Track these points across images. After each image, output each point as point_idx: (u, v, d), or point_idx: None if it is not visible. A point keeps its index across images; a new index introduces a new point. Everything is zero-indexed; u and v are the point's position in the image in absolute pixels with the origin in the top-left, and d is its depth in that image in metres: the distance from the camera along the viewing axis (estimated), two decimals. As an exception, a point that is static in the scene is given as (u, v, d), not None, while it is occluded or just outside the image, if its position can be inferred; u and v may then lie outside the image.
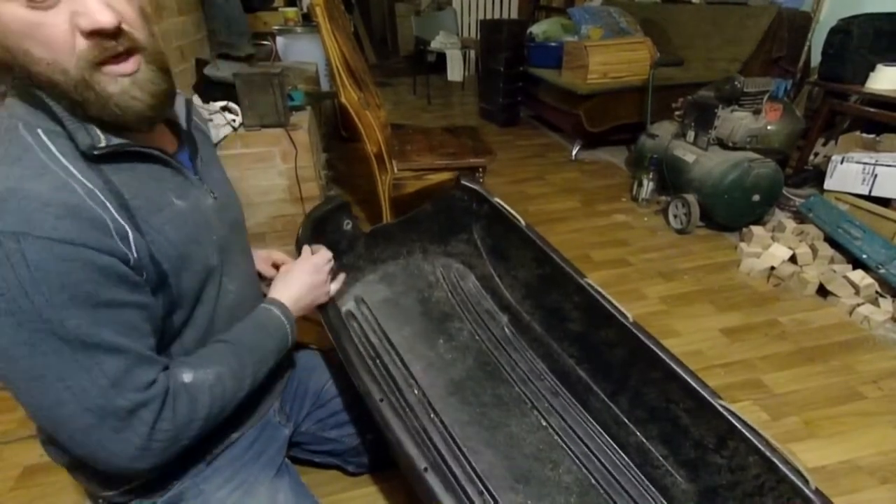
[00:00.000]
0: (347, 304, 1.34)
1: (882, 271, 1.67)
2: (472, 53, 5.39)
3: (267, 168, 1.75)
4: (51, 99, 0.54)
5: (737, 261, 1.95)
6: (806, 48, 2.92)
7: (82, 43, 0.50)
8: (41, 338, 0.50)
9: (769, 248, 1.88)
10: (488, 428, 1.09)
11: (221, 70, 1.91)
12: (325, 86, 2.89)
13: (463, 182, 1.42)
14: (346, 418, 1.03)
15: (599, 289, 1.10)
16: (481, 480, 1.00)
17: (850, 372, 1.42)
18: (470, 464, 1.02)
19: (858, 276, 1.68)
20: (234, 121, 1.67)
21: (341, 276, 1.01)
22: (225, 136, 1.65)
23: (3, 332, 0.49)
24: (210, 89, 1.82)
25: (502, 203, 1.35)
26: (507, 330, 1.31)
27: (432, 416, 1.10)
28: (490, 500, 0.96)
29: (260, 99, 1.64)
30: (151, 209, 0.61)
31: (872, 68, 2.21)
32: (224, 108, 1.67)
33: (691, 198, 2.12)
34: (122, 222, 0.55)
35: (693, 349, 1.50)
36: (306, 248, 0.96)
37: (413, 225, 1.44)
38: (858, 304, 1.63)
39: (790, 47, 2.86)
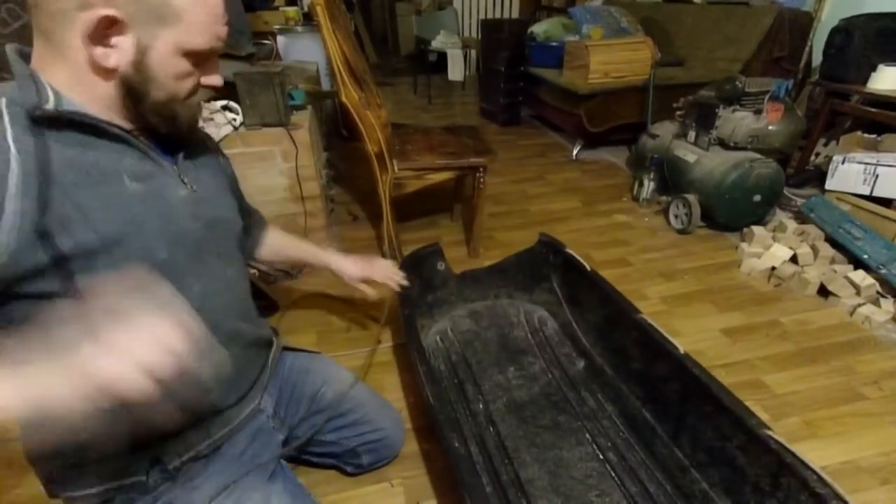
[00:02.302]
0: (437, 328, 1.53)
1: (883, 271, 1.67)
2: (473, 53, 5.39)
3: (268, 167, 1.75)
4: (22, 68, 0.58)
5: (738, 261, 1.94)
6: (807, 48, 2.92)
7: (194, 84, 0.68)
8: None
9: (770, 249, 1.87)
10: (540, 446, 1.15)
11: (222, 69, 1.90)
12: (325, 85, 2.89)
13: (542, 236, 1.60)
14: (343, 422, 1.03)
15: (652, 322, 1.17)
16: (521, 486, 1.05)
17: (851, 372, 1.41)
18: (515, 471, 1.08)
19: (859, 276, 1.68)
20: (234, 120, 1.67)
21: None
22: (226, 136, 1.65)
23: None
24: (211, 88, 1.81)
25: (573, 253, 1.49)
26: (581, 372, 1.36)
27: (490, 427, 1.21)
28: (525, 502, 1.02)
29: (261, 98, 1.64)
30: (84, 183, 0.59)
31: (874, 68, 2.21)
32: (225, 108, 1.68)
33: (692, 198, 2.12)
34: (11, 186, 0.53)
35: (694, 349, 1.48)
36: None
37: (500, 273, 1.63)
38: (859, 305, 1.63)
39: (791, 47, 2.86)
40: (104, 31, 0.57)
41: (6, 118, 0.56)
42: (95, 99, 0.61)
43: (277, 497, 0.82)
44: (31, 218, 0.55)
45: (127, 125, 0.65)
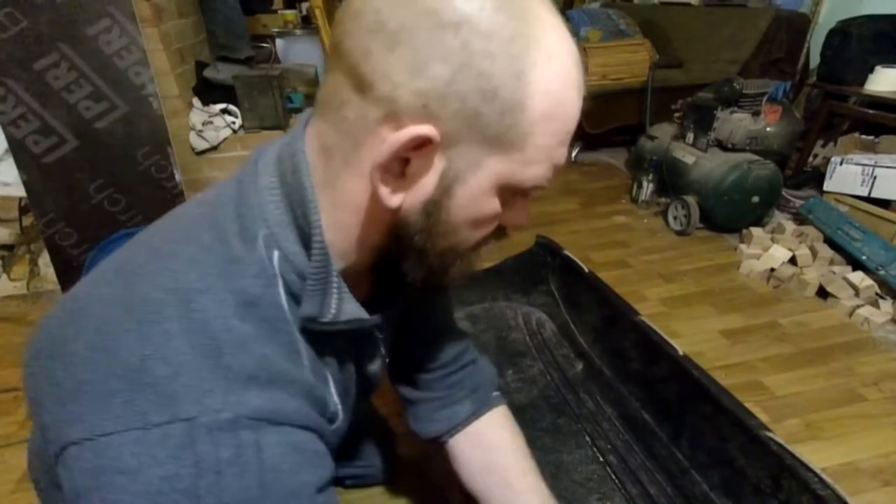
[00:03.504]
0: None
1: (882, 273, 1.67)
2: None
3: (267, 170, 1.75)
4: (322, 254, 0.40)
5: (737, 262, 1.95)
6: (805, 50, 2.93)
7: (490, 231, 0.45)
8: None
9: (769, 250, 1.88)
10: (540, 449, 1.13)
11: (221, 72, 1.91)
12: (324, 88, 2.88)
13: (540, 238, 1.57)
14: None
15: (650, 323, 1.16)
16: None
17: (850, 374, 1.41)
18: None
19: (858, 277, 1.68)
20: (233, 123, 1.67)
21: None
22: (225, 139, 1.65)
23: None
24: (210, 91, 1.82)
25: (570, 254, 1.47)
26: (579, 375, 1.35)
27: None
28: None
29: (260, 101, 1.64)
30: (337, 380, 0.48)
31: (871, 70, 2.21)
32: (224, 111, 1.68)
33: (691, 199, 2.12)
34: (337, 400, 0.46)
35: (694, 351, 1.49)
36: None
37: (497, 275, 1.59)
38: (858, 306, 1.63)
39: (789, 49, 2.87)
40: (409, 152, 0.36)
41: (283, 296, 0.40)
42: (356, 247, 0.43)
43: None
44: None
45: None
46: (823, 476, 0.80)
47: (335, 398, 0.45)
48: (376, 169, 0.36)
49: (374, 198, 0.38)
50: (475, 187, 0.39)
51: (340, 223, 0.41)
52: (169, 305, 0.36)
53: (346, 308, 0.42)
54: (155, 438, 0.33)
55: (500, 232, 0.46)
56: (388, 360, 0.61)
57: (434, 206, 0.39)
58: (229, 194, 0.41)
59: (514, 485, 0.69)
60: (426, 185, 0.38)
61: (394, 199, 0.38)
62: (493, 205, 0.41)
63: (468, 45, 0.33)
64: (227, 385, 0.35)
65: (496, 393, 0.75)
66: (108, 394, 0.34)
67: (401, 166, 0.37)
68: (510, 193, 0.41)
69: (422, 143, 0.35)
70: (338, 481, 1.09)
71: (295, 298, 0.40)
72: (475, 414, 0.71)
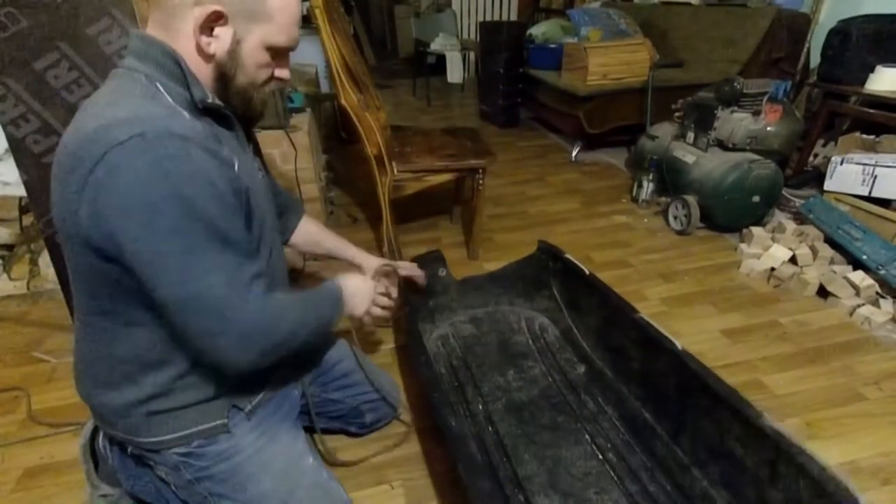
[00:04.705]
0: (438, 333, 1.52)
1: (882, 272, 1.67)
2: (472, 55, 5.40)
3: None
4: (180, 69, 0.70)
5: (737, 262, 1.95)
6: (805, 49, 2.93)
7: (269, 75, 0.79)
8: (197, 222, 0.64)
9: (769, 250, 1.88)
10: (539, 444, 1.16)
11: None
12: (324, 88, 2.89)
13: (542, 243, 1.59)
14: (348, 381, 1.13)
15: (649, 319, 1.17)
16: (519, 483, 1.06)
17: (850, 373, 1.41)
18: (512, 468, 1.09)
19: (859, 276, 1.68)
20: (234, 123, 1.67)
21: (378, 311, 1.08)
22: (225, 138, 1.65)
23: (170, 214, 0.62)
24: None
25: (572, 258, 1.48)
26: (582, 377, 1.36)
27: (489, 426, 1.21)
28: (522, 500, 1.03)
29: (260, 101, 1.64)
30: (241, 166, 0.75)
31: (872, 69, 2.21)
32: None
33: (691, 199, 2.12)
34: (231, 156, 0.72)
35: (694, 350, 1.48)
36: (393, 271, 1.22)
37: (501, 280, 1.63)
38: (859, 305, 1.63)
39: (790, 49, 2.87)
40: (211, 23, 0.68)
41: (173, 102, 0.69)
42: (201, 77, 0.72)
43: (302, 442, 0.96)
44: (237, 177, 0.72)
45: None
46: (818, 458, 0.80)
47: (225, 151, 0.72)
48: (196, 29, 0.68)
49: (199, 48, 0.70)
50: (252, 43, 0.72)
51: (187, 56, 0.71)
52: (126, 105, 0.66)
53: (213, 98, 0.73)
54: (128, 146, 0.60)
55: (277, 79, 0.80)
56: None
57: (233, 54, 0.72)
58: (125, 82, 0.69)
59: (329, 238, 1.22)
60: (225, 40, 0.70)
61: (211, 48, 0.70)
62: (265, 56, 0.74)
63: None
64: (157, 119, 0.64)
65: (302, 209, 1.20)
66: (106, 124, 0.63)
67: (210, 30, 0.69)
68: (274, 51, 0.75)
69: (217, 17, 0.68)
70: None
71: (187, 101, 0.71)
72: (297, 220, 1.17)
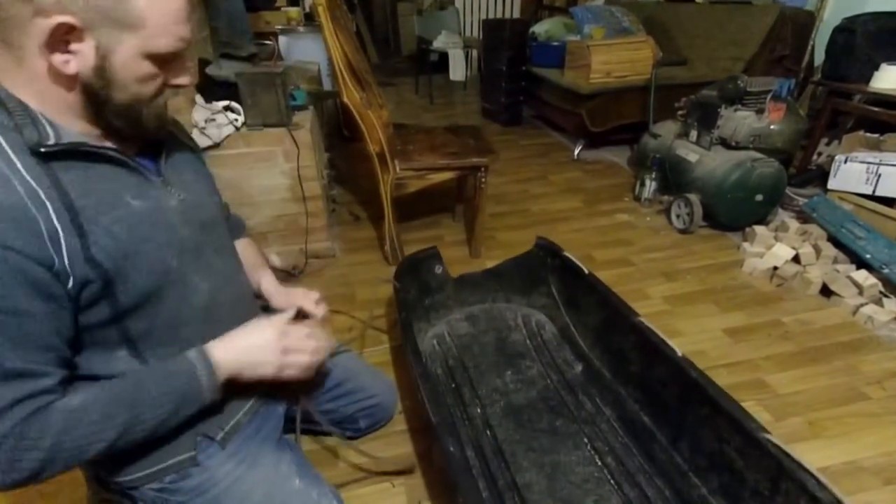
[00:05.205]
0: (434, 331, 1.51)
1: (886, 271, 1.66)
2: (475, 53, 5.39)
3: (269, 167, 1.75)
4: (5, 93, 0.58)
5: (740, 261, 1.94)
6: (809, 47, 2.91)
7: (159, 86, 0.66)
8: None
9: (772, 248, 1.87)
10: (537, 451, 1.15)
11: (224, 69, 1.91)
12: (327, 85, 2.89)
13: (540, 240, 1.58)
14: (341, 391, 1.09)
15: (650, 325, 1.16)
16: (518, 491, 1.05)
17: (853, 372, 1.41)
18: (511, 475, 1.08)
19: (862, 276, 1.67)
20: (236, 120, 1.67)
21: (326, 348, 0.89)
22: (227, 136, 1.65)
23: None
24: (213, 89, 1.82)
25: (570, 255, 1.47)
26: (579, 376, 1.35)
27: (487, 431, 1.20)
28: None
29: (262, 98, 1.64)
30: (101, 209, 0.62)
31: (876, 67, 2.20)
32: (226, 108, 1.68)
33: (694, 197, 2.11)
34: (57, 224, 0.57)
35: (697, 349, 1.49)
36: (291, 310, 0.90)
37: (498, 276, 1.61)
38: (862, 305, 1.62)
39: (794, 46, 2.85)
40: (63, 37, 0.56)
41: (4, 146, 0.57)
42: (61, 109, 0.61)
43: (286, 465, 0.88)
44: (78, 248, 0.59)
45: (94, 131, 0.65)
46: (821, 478, 0.79)
47: (55, 222, 0.57)
48: (43, 47, 0.55)
49: (52, 68, 0.57)
50: (125, 55, 0.59)
51: (40, 92, 0.59)
52: None
53: (66, 135, 0.60)
54: None
55: (171, 86, 0.67)
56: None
57: (101, 71, 0.59)
58: None
59: (248, 263, 0.99)
60: (87, 55, 0.57)
61: (70, 67, 0.57)
62: (147, 67, 0.62)
63: None
64: None
65: (243, 231, 1.07)
66: None
67: (66, 45, 0.56)
68: (159, 59, 0.62)
69: (69, 29, 0.55)
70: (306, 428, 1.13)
71: (20, 144, 0.57)
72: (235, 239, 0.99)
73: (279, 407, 0.97)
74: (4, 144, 0.56)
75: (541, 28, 3.71)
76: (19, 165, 0.56)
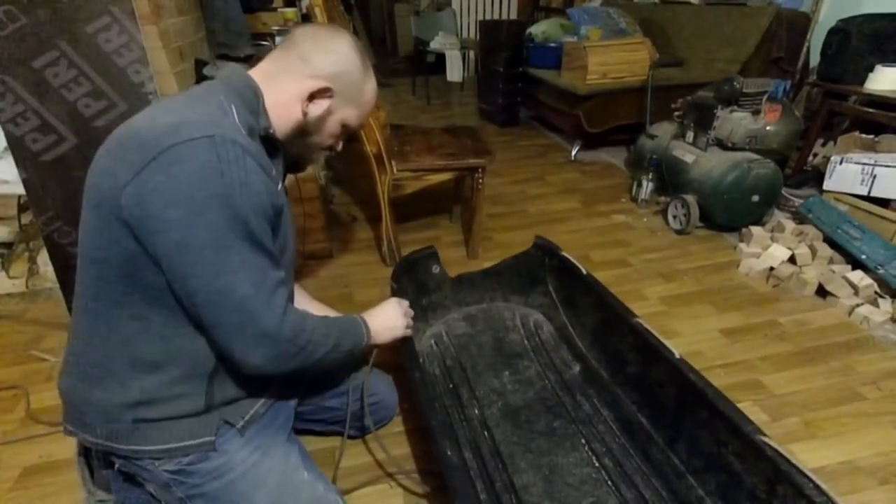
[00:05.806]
0: (431, 331, 1.52)
1: (881, 272, 1.67)
2: (472, 54, 5.39)
3: (266, 168, 1.75)
4: (257, 102, 0.80)
5: (736, 261, 1.95)
6: (805, 49, 2.93)
7: (331, 144, 0.95)
8: (236, 223, 0.69)
9: (768, 249, 1.88)
10: (535, 452, 1.15)
11: (220, 69, 1.90)
12: (324, 86, 2.88)
13: (538, 239, 1.58)
14: (345, 388, 1.13)
15: (648, 326, 1.16)
16: (516, 493, 1.05)
17: (849, 372, 1.42)
18: (509, 477, 1.08)
19: (857, 276, 1.68)
20: (233, 121, 1.67)
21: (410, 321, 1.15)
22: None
23: (216, 211, 0.66)
24: (209, 90, 1.81)
25: (568, 255, 1.47)
26: (577, 377, 1.35)
27: (484, 432, 1.20)
28: None
29: (259, 99, 1.64)
30: (277, 178, 0.84)
31: (871, 69, 2.21)
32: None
33: (691, 198, 2.12)
34: (277, 177, 0.82)
35: (693, 350, 1.50)
36: (402, 300, 1.17)
37: (495, 276, 1.61)
38: (858, 305, 1.63)
39: (789, 48, 2.87)
40: (319, 94, 0.83)
41: (239, 122, 0.76)
42: (281, 122, 0.83)
43: (295, 456, 0.94)
44: (275, 192, 0.77)
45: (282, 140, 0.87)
46: (818, 481, 0.79)
47: (273, 172, 0.80)
48: (305, 92, 0.82)
49: (294, 104, 0.83)
50: (337, 118, 0.88)
51: (279, 103, 0.82)
52: (203, 112, 0.73)
53: (274, 132, 0.82)
54: (197, 144, 0.66)
55: (332, 148, 0.95)
56: None
57: (320, 120, 0.87)
58: (204, 96, 0.77)
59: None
60: (321, 108, 0.85)
61: (309, 110, 0.84)
62: (339, 130, 0.91)
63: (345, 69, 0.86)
64: (226, 128, 0.70)
65: None
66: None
67: (314, 97, 0.83)
68: (345, 129, 0.91)
69: (325, 91, 0.83)
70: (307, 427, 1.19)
71: (249, 126, 0.78)
72: None
73: (291, 402, 1.02)
74: (238, 120, 0.76)
75: (537, 29, 3.72)
76: (249, 138, 0.76)
